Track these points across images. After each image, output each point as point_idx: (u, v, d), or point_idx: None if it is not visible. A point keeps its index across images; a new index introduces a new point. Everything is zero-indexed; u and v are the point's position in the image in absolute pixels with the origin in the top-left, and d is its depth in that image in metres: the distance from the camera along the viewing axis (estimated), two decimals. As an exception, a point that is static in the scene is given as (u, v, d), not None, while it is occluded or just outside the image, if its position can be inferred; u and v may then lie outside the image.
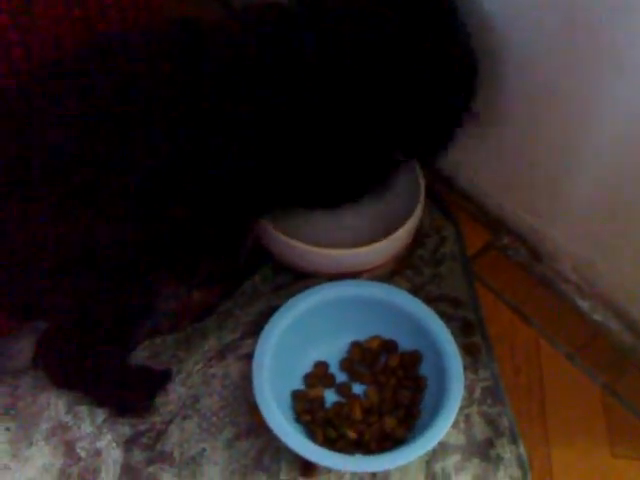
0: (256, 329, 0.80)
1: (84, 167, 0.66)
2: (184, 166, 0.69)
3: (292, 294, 0.81)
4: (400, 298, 0.80)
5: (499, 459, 0.74)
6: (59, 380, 0.73)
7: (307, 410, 0.74)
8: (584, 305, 0.87)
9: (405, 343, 0.79)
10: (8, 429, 0.71)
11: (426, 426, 0.70)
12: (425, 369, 0.77)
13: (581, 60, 0.71)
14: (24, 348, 0.76)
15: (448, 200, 0.96)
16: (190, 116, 0.68)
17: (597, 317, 0.86)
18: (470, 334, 0.83)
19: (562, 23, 0.70)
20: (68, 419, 0.72)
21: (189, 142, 0.68)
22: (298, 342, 0.77)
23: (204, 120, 0.68)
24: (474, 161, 0.92)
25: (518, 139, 0.84)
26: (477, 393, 0.78)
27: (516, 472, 0.73)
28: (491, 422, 0.76)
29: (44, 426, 0.72)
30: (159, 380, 0.76)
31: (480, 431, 0.76)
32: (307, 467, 0.72)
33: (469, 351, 0.81)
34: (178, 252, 0.75)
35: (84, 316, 0.70)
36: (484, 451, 0.74)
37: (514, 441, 0.75)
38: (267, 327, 0.76)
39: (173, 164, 0.68)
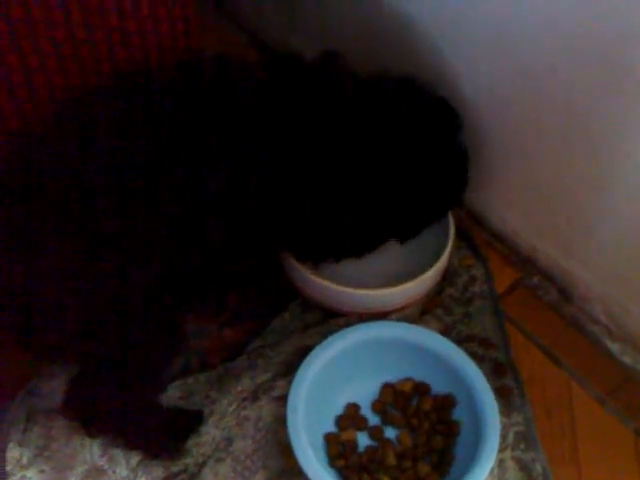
0: (287, 369, 0.80)
1: (112, 214, 0.66)
2: (209, 207, 0.69)
3: (322, 333, 0.81)
4: (432, 340, 0.80)
5: (533, 506, 0.73)
6: (90, 426, 0.73)
7: (340, 454, 0.74)
8: (614, 347, 0.87)
9: (438, 386, 0.79)
10: (43, 471, 0.71)
11: (461, 473, 0.70)
12: (459, 413, 0.77)
13: (613, 95, 0.71)
14: (57, 388, 0.75)
15: (477, 238, 0.95)
16: (215, 158, 0.69)
17: (627, 360, 0.86)
18: (501, 376, 0.82)
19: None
20: (103, 462, 0.72)
21: (215, 184, 0.69)
22: (330, 384, 0.77)
23: (229, 162, 0.69)
24: (505, 200, 0.92)
25: (551, 179, 0.84)
26: (510, 438, 0.77)
27: (551, 520, 0.72)
28: (524, 468, 0.76)
29: (79, 469, 0.71)
30: (192, 422, 0.76)
31: (513, 477, 0.75)
32: (341, 512, 0.71)
33: (501, 394, 0.80)
34: (206, 289, 0.75)
35: (114, 358, 0.70)
36: (518, 498, 0.73)
37: (549, 488, 0.74)
38: (300, 370, 0.75)
39: (199, 205, 0.69)
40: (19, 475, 0.71)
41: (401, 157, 0.74)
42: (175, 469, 0.73)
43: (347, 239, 0.78)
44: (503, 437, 0.76)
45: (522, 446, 0.77)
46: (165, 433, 0.74)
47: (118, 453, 0.73)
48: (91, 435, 0.73)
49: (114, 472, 0.72)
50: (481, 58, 0.81)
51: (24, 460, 0.72)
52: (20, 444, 0.72)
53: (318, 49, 0.76)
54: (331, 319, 0.85)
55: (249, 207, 0.71)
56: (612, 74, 0.69)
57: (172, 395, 0.78)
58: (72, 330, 0.67)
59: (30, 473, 0.71)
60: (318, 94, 0.73)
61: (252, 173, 0.70)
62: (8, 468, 0.71)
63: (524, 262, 0.94)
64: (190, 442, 0.75)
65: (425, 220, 0.82)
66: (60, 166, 0.66)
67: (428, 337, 0.80)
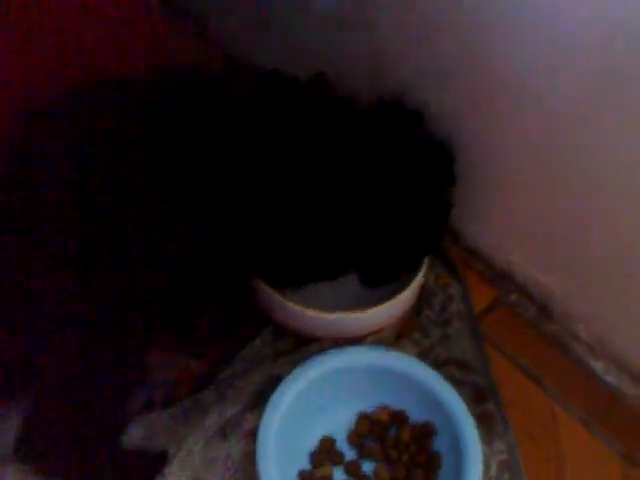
0: (258, 400, 0.76)
1: (77, 236, 0.62)
2: (177, 231, 0.65)
3: (294, 361, 0.78)
4: (409, 365, 0.76)
5: (519, 540, 0.69)
6: (44, 470, 0.68)
7: (315, 492, 0.70)
8: (597, 366, 0.84)
9: (416, 414, 0.75)
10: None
11: (443, 509, 0.66)
12: (439, 443, 0.73)
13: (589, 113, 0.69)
14: (7, 435, 0.70)
15: (453, 256, 0.92)
16: (189, 178, 0.65)
17: (611, 379, 0.83)
18: (482, 401, 0.79)
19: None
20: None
21: (185, 207, 0.65)
22: (303, 416, 0.73)
23: (198, 186, 0.65)
24: (481, 217, 0.89)
25: (529, 193, 0.82)
26: (493, 469, 0.74)
27: None
28: (509, 499, 0.72)
29: (31, 519, 0.66)
30: (155, 463, 0.71)
31: (497, 508, 0.72)
32: None
33: (482, 420, 0.77)
34: (172, 317, 0.71)
35: (67, 393, 0.65)
36: (503, 532, 0.70)
37: (534, 520, 0.71)
38: (271, 401, 0.71)
39: (167, 228, 0.65)
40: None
41: (383, 195, 0.70)
42: (137, 515, 0.68)
43: (315, 264, 0.75)
44: (486, 467, 0.73)
45: (506, 476, 0.74)
46: (126, 476, 0.70)
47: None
48: (46, 478, 0.68)
49: (70, 521, 0.67)
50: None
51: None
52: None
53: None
54: (304, 346, 0.81)
55: (219, 231, 0.67)
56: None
57: (134, 434, 0.73)
58: (22, 362, 0.62)
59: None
60: (304, 118, 0.70)
61: (222, 197, 0.66)
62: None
63: (501, 279, 0.91)
64: (154, 485, 0.70)
65: (394, 268, 0.78)
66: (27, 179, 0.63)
67: (405, 362, 0.76)
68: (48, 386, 0.66)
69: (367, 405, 0.76)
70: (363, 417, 0.76)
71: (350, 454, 0.74)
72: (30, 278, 0.62)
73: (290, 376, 0.73)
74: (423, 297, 0.87)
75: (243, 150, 0.67)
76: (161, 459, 0.72)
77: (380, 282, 0.78)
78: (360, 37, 0.86)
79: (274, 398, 0.72)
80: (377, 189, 0.70)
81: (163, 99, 0.68)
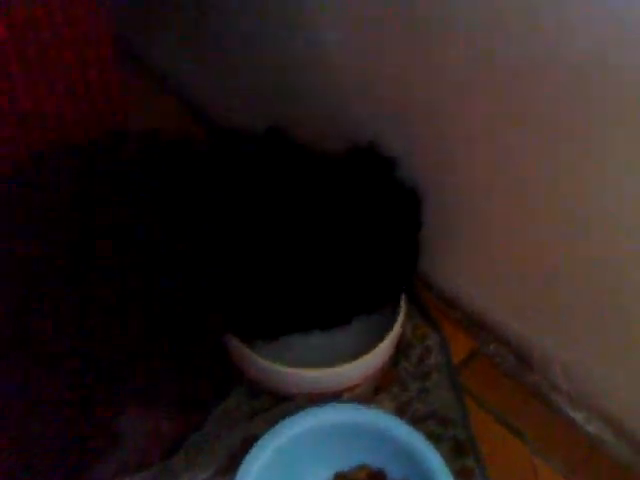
0: (231, 463, 0.74)
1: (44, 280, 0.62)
2: (151, 284, 0.65)
3: (270, 420, 0.76)
4: (387, 423, 0.74)
5: None
6: None
7: None
8: (578, 417, 0.83)
9: (394, 472, 0.74)
10: None
11: None
12: (417, 503, 0.71)
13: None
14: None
15: (429, 304, 0.92)
16: (153, 240, 0.65)
17: (592, 429, 0.82)
18: (462, 456, 0.78)
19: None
20: None
21: (151, 268, 0.65)
22: (278, 478, 0.71)
23: (166, 244, 0.66)
24: (456, 265, 0.89)
25: (503, 244, 0.82)
26: (473, 527, 0.72)
27: None
28: None
29: None
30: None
31: None
32: None
33: (462, 475, 0.76)
34: (142, 375, 0.70)
35: (31, 454, 0.63)
36: None
37: None
38: (244, 463, 0.69)
39: (141, 282, 0.65)
40: None
41: (348, 238, 0.71)
42: None
43: (285, 315, 0.74)
44: (466, 526, 0.71)
45: (487, 534, 0.72)
46: None
47: None
48: None
49: None
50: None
51: None
52: None
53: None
54: (280, 404, 0.80)
55: (188, 287, 0.67)
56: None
57: (103, 502, 0.71)
58: None
59: None
60: (260, 170, 0.70)
61: (190, 251, 0.66)
62: None
63: (479, 329, 0.90)
64: None
65: (359, 309, 0.78)
66: None
67: (382, 419, 0.75)
68: (13, 447, 0.64)
69: (345, 464, 0.75)
70: (340, 478, 0.74)
71: (327, 518, 0.72)
72: None
73: (265, 436, 0.71)
74: (401, 349, 0.86)
75: (206, 207, 0.67)
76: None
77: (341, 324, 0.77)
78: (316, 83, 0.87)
79: (247, 460, 0.70)
80: (342, 232, 0.70)
81: (119, 165, 0.68)
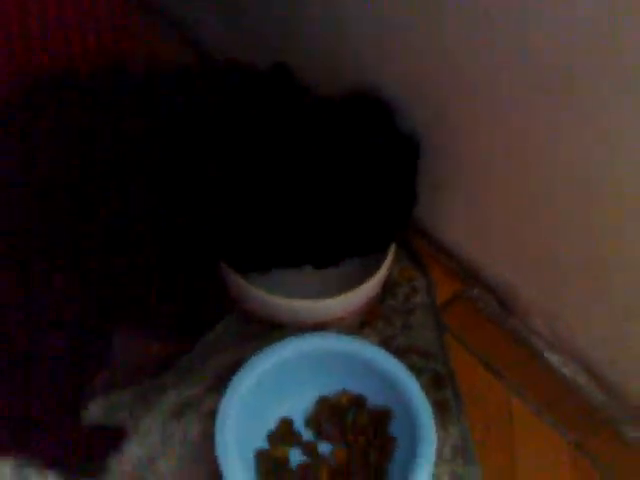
0: (219, 384, 0.76)
1: (43, 216, 0.63)
2: (150, 211, 0.67)
3: (258, 346, 0.78)
4: (370, 352, 0.77)
5: (469, 521, 0.71)
6: (2, 443, 0.68)
7: (272, 471, 0.71)
8: (554, 360, 0.86)
9: (375, 399, 0.77)
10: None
11: (396, 489, 0.68)
12: (395, 427, 0.75)
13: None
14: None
15: (419, 248, 0.94)
16: (154, 166, 0.67)
17: (567, 372, 0.85)
18: (440, 388, 0.81)
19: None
20: (15, 484, 0.67)
21: (152, 194, 0.67)
22: (263, 399, 0.74)
23: (164, 171, 0.67)
24: (449, 212, 0.91)
25: (495, 194, 0.84)
26: (447, 452, 0.76)
27: (487, 535, 0.71)
28: (461, 482, 0.74)
29: (-13, 491, 0.67)
30: (113, 439, 0.72)
31: (449, 492, 0.73)
32: (270, 533, 0.68)
33: (439, 406, 0.79)
34: (136, 298, 0.72)
35: (31, 366, 0.66)
36: (454, 514, 0.72)
37: (485, 504, 0.72)
38: (231, 385, 0.72)
39: (140, 209, 0.66)
40: None
41: (346, 182, 0.72)
42: (93, 490, 0.69)
43: (278, 248, 0.76)
44: (440, 451, 0.74)
45: (459, 460, 0.75)
46: (84, 451, 0.70)
47: (31, 473, 0.68)
48: (3, 453, 0.69)
49: (27, 493, 0.67)
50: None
51: None
52: None
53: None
54: (269, 332, 0.82)
55: (185, 217, 0.69)
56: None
57: (94, 412, 0.74)
58: None
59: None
60: (264, 105, 0.71)
61: (188, 182, 0.67)
62: None
63: (465, 274, 0.93)
64: (111, 461, 0.71)
65: (355, 249, 0.80)
66: None
67: (366, 349, 0.78)
68: (13, 362, 0.67)
69: (327, 389, 0.78)
70: (323, 401, 0.77)
71: (308, 435, 0.75)
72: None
73: (252, 359, 0.74)
74: (388, 288, 0.89)
75: (206, 138, 0.68)
76: (119, 435, 0.72)
77: (339, 263, 0.79)
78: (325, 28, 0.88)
79: (235, 379, 0.73)
80: (339, 175, 0.72)
81: (124, 93, 0.69)
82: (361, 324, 0.86)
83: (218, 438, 0.68)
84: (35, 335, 0.64)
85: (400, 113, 0.78)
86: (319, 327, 0.82)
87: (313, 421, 0.76)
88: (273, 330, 0.82)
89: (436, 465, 0.73)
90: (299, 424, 0.76)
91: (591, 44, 0.62)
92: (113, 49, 0.79)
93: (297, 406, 0.77)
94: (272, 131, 0.70)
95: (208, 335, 0.82)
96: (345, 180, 0.72)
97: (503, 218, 0.85)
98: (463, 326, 0.88)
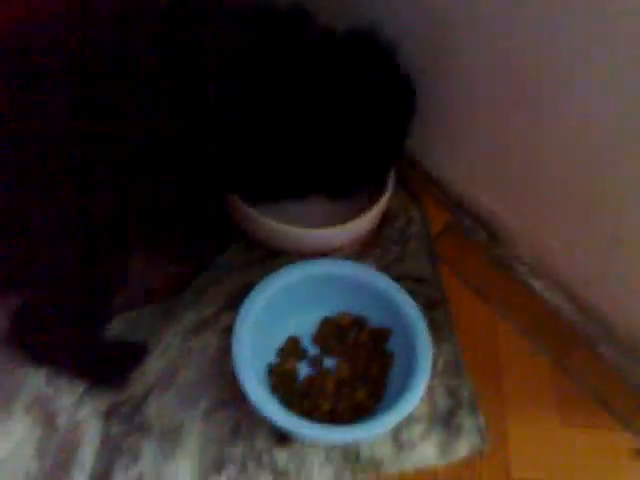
0: (232, 304, 0.82)
1: (64, 138, 0.66)
2: (161, 141, 0.71)
3: (265, 270, 0.83)
4: (370, 276, 0.83)
5: (459, 428, 0.78)
6: (34, 356, 0.74)
7: (282, 382, 0.77)
8: (537, 284, 0.92)
9: (375, 319, 0.83)
10: (-14, 401, 0.72)
11: (395, 399, 0.74)
12: (394, 344, 0.81)
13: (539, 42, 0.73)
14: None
15: (413, 182, 0.99)
16: (172, 93, 0.70)
17: (548, 296, 0.91)
18: (433, 310, 0.87)
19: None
20: (49, 391, 0.73)
21: (166, 117, 0.70)
22: (273, 318, 0.80)
23: (177, 103, 0.70)
24: (443, 149, 0.95)
25: (479, 125, 0.88)
26: (439, 366, 0.83)
27: (475, 440, 0.78)
28: (452, 394, 0.81)
29: (25, 398, 0.72)
30: (136, 353, 0.78)
31: (442, 402, 0.80)
32: (282, 437, 0.75)
33: (432, 325, 0.84)
34: (152, 224, 0.77)
35: (57, 288, 0.71)
36: (446, 421, 0.79)
37: (473, 412, 0.80)
38: (245, 303, 0.78)
39: (152, 138, 0.70)
40: (-37, 405, 0.71)
41: (346, 114, 0.77)
42: (120, 398, 0.75)
43: (286, 181, 0.81)
44: (433, 365, 0.81)
45: (450, 374, 0.82)
46: (109, 364, 0.76)
47: (63, 382, 0.74)
48: (36, 365, 0.74)
49: (60, 400, 0.73)
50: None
51: (-33, 391, 0.72)
52: (-38, 376, 0.73)
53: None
54: (274, 257, 0.88)
55: (196, 149, 0.73)
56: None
57: (116, 328, 0.79)
58: (16, 259, 0.67)
59: (-25, 403, 0.72)
60: (277, 40, 0.74)
61: (199, 115, 0.71)
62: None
63: (455, 205, 0.98)
64: (135, 373, 0.77)
65: (355, 181, 0.85)
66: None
67: (366, 273, 0.84)
68: (40, 282, 0.71)
69: (331, 311, 0.84)
70: (327, 321, 0.83)
71: (314, 351, 0.82)
72: (27, 186, 0.67)
73: (262, 282, 0.80)
74: (386, 218, 0.94)
75: (218, 71, 0.72)
76: (141, 350, 0.78)
77: (344, 194, 0.84)
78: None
79: (248, 300, 0.78)
80: (340, 110, 0.76)
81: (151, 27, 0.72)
82: (360, 252, 0.91)
83: (234, 352, 0.74)
84: (54, 247, 0.68)
85: (399, 51, 0.81)
86: (321, 254, 0.87)
87: (318, 338, 0.82)
88: (279, 256, 0.88)
89: (430, 378, 0.80)
90: (306, 341, 0.82)
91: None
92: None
93: (303, 325, 0.83)
94: (280, 65, 0.73)
95: (219, 259, 0.87)
96: (345, 112, 0.76)
97: (488, 151, 0.89)
98: (454, 255, 0.94)
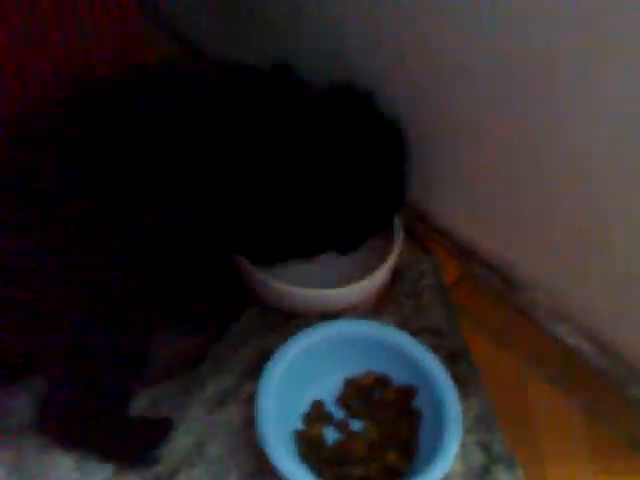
0: (251, 372, 0.81)
1: (93, 210, 0.67)
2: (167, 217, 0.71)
3: (281, 335, 0.83)
4: (389, 333, 0.82)
5: (498, 484, 0.76)
6: (63, 441, 0.72)
7: (310, 450, 0.75)
8: (558, 329, 0.91)
9: (399, 378, 0.82)
10: (14, 492, 0.69)
11: (428, 459, 0.73)
12: (420, 401, 0.80)
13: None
14: (21, 406, 0.74)
15: (421, 233, 0.99)
16: (171, 167, 0.70)
17: (571, 341, 0.90)
18: (456, 364, 0.86)
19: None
20: (77, 476, 0.71)
21: (173, 194, 0.70)
22: (295, 383, 0.78)
23: (184, 170, 0.71)
24: (445, 197, 0.95)
25: (489, 175, 0.88)
26: (469, 421, 0.80)
27: (515, 496, 0.76)
28: (486, 449, 0.79)
29: (52, 485, 0.70)
30: (163, 429, 0.76)
31: (476, 458, 0.78)
32: (316, 507, 0.72)
33: (457, 381, 0.83)
34: (170, 297, 0.76)
35: (83, 369, 0.70)
36: (482, 478, 0.77)
37: (511, 466, 0.78)
38: (265, 372, 0.76)
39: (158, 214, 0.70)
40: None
41: (348, 171, 0.77)
42: (149, 477, 0.73)
43: (294, 242, 0.81)
44: (463, 422, 0.79)
45: (481, 428, 0.80)
46: (137, 442, 0.74)
47: (92, 465, 0.72)
48: (65, 450, 0.72)
49: (89, 485, 0.71)
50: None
51: (-7, 481, 0.70)
52: (-10, 466, 0.70)
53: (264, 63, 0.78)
54: (289, 321, 0.87)
55: (206, 213, 0.72)
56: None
57: (139, 405, 0.77)
58: (44, 338, 0.66)
59: (2, 494, 0.69)
60: (270, 103, 0.75)
61: (205, 180, 0.71)
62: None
63: (466, 254, 0.97)
64: (162, 450, 0.75)
65: (366, 231, 0.85)
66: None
67: (385, 331, 0.83)
68: (60, 368, 0.70)
69: (353, 371, 0.82)
70: (350, 382, 0.82)
71: (339, 415, 0.80)
72: (34, 264, 0.66)
73: (282, 347, 0.78)
74: (397, 272, 0.93)
75: (220, 137, 0.72)
76: (168, 425, 0.76)
77: (352, 249, 0.84)
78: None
79: (268, 367, 0.77)
80: (333, 165, 0.76)
81: (137, 97, 0.72)
82: (375, 308, 0.90)
83: (259, 424, 0.72)
84: (81, 323, 0.68)
85: (384, 102, 0.82)
86: (334, 314, 0.86)
87: (343, 401, 0.81)
88: (293, 319, 0.86)
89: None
90: (330, 405, 0.80)
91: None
92: (129, 55, 0.82)
93: (326, 389, 0.81)
94: (271, 129, 0.74)
95: (234, 327, 0.86)
96: (339, 168, 0.77)
97: (490, 195, 0.89)
98: (471, 304, 0.93)
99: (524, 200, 0.86)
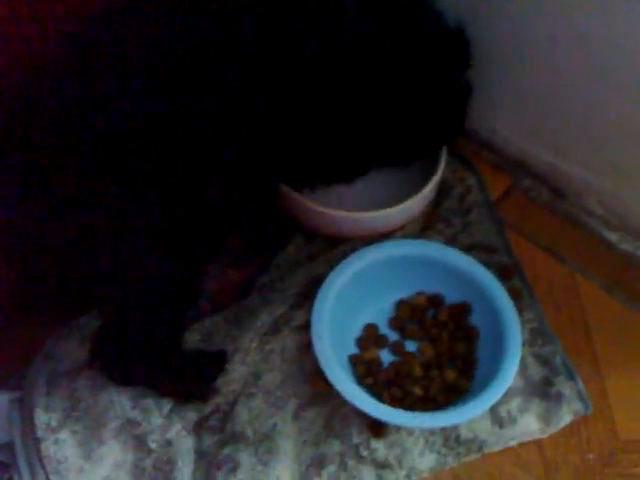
0: (302, 299, 0.80)
1: (148, 153, 0.65)
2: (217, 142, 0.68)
3: (329, 261, 0.81)
4: (440, 251, 0.80)
5: (559, 396, 0.75)
6: (119, 378, 0.73)
7: (367, 373, 0.75)
8: (612, 237, 0.88)
9: (452, 296, 0.80)
10: (75, 432, 0.70)
11: (489, 375, 0.72)
12: (475, 318, 0.78)
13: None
14: (73, 349, 0.75)
15: (465, 149, 0.95)
16: (211, 94, 0.67)
17: (627, 247, 0.87)
18: (508, 279, 0.84)
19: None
20: (135, 414, 0.71)
21: (212, 120, 0.67)
22: (347, 308, 0.77)
23: (224, 98, 0.67)
24: (494, 109, 0.91)
25: (538, 80, 0.83)
26: (526, 335, 0.79)
27: (577, 406, 0.75)
28: (545, 362, 0.78)
29: (112, 424, 0.71)
30: (217, 361, 0.76)
31: (536, 372, 0.77)
32: (377, 427, 0.72)
33: (512, 295, 0.81)
34: (212, 229, 0.75)
35: (138, 306, 0.69)
36: (544, 390, 0.76)
37: (571, 377, 0.76)
38: (317, 298, 0.75)
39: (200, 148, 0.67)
40: (52, 438, 0.70)
41: (399, 85, 0.72)
42: (208, 410, 0.73)
43: (338, 163, 0.78)
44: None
45: (539, 341, 0.79)
46: (193, 376, 0.74)
47: (149, 403, 0.72)
48: (121, 387, 0.72)
49: (149, 422, 0.71)
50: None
51: (53, 423, 0.71)
52: (46, 409, 0.71)
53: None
54: (336, 246, 0.85)
55: (246, 141, 0.69)
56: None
57: (191, 339, 0.77)
58: (96, 277, 0.66)
59: (63, 435, 0.70)
60: (318, 15, 0.70)
61: (246, 108, 0.68)
62: (39, 434, 0.70)
63: (514, 167, 0.94)
64: (218, 382, 0.75)
65: (417, 152, 0.81)
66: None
67: (435, 249, 0.81)
68: (118, 300, 0.70)
69: (405, 293, 0.81)
70: (402, 303, 0.80)
71: (393, 337, 0.79)
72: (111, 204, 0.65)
73: (332, 273, 0.77)
74: (442, 191, 0.90)
75: (265, 57, 0.68)
76: (222, 357, 0.76)
77: (410, 162, 0.81)
78: None
79: (321, 294, 0.76)
80: (393, 78, 0.71)
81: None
82: (422, 229, 0.88)
83: (317, 349, 0.72)
84: (142, 258, 0.67)
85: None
86: (382, 237, 0.84)
87: (396, 323, 0.79)
88: (340, 244, 0.85)
89: (520, 348, 0.77)
90: (383, 328, 0.79)
91: None
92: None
93: (378, 312, 0.80)
94: (330, 36, 0.69)
95: (280, 256, 0.85)
96: (403, 78, 0.72)
97: (545, 104, 0.84)
98: (519, 217, 0.91)
99: (574, 99, 0.81)
